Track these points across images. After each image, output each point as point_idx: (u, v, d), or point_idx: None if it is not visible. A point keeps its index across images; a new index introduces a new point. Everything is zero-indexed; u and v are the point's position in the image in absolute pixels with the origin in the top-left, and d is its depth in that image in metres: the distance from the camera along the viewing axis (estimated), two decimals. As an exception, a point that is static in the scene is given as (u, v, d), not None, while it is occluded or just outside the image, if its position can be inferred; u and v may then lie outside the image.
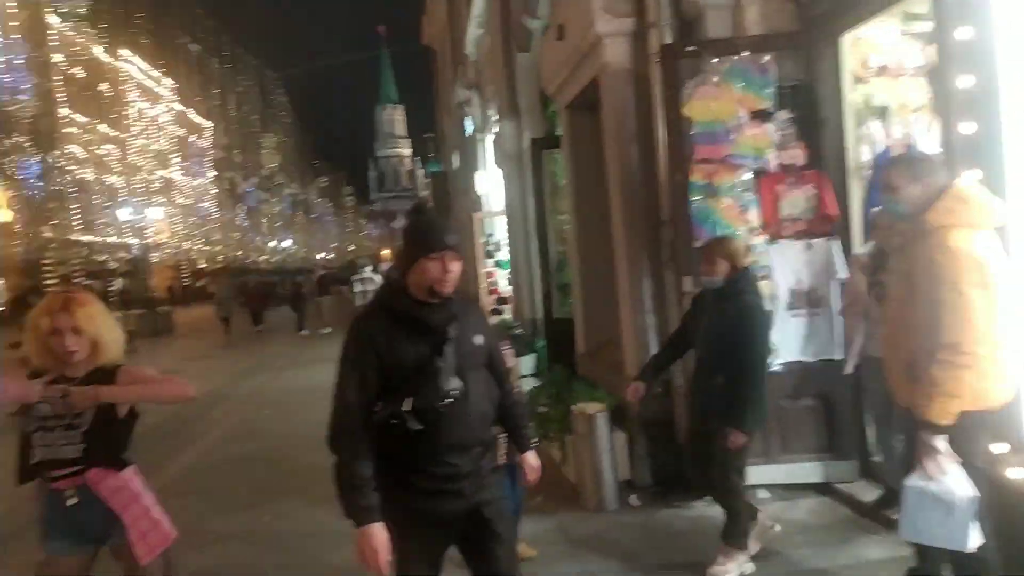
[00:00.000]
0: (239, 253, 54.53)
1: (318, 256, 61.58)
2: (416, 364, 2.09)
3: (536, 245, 8.74)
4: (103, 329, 2.49)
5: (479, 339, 2.24)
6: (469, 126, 20.36)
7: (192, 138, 56.81)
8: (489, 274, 13.29)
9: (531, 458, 2.56)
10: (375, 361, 2.10)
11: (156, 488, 5.33)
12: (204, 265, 54.82)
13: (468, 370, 2.16)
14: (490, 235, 13.40)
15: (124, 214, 35.83)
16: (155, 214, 43.08)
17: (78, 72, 41.35)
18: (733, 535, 3.56)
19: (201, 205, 53.80)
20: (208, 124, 59.33)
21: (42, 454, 2.40)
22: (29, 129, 33.66)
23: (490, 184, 15.29)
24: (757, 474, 4.13)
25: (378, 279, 14.99)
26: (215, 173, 56.91)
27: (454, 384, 2.09)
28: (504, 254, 12.71)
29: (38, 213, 33.90)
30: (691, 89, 4.47)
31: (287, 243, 56.82)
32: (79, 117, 40.64)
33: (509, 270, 12.18)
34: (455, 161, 28.24)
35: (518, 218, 10.31)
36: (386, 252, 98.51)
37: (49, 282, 36.09)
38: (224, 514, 4.93)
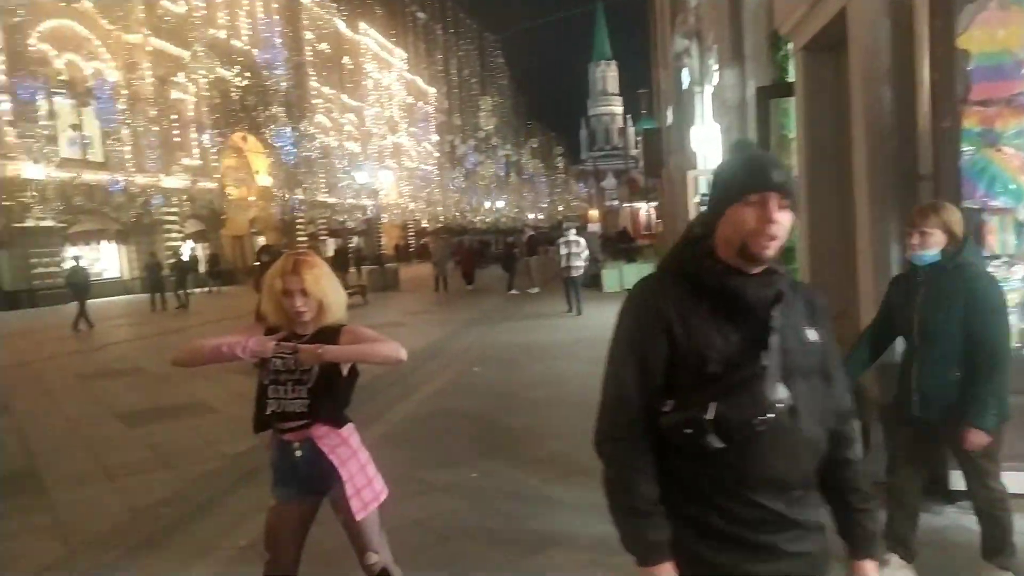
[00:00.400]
0: (457, 213, 57.73)
1: (529, 216, 63.32)
2: (725, 357, 1.48)
3: (757, 205, 8.00)
4: (328, 291, 2.56)
5: (813, 334, 1.57)
6: (686, 79, 19.34)
7: (419, 104, 60.81)
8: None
9: (869, 570, 1.62)
10: (664, 345, 1.51)
11: (374, 437, 5.83)
12: (426, 225, 58.92)
13: (797, 376, 1.51)
14: (704, 195, 12.65)
15: (361, 177, 39.35)
16: (386, 177, 46.86)
17: (325, 47, 45.82)
18: (998, 553, 2.97)
19: (425, 168, 57.56)
20: (432, 90, 63.11)
21: (273, 406, 2.53)
22: (283, 101, 37.97)
23: (706, 140, 14.41)
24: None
25: (583, 242, 14.73)
26: (437, 137, 60.56)
27: (780, 394, 1.47)
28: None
29: (291, 177, 38.36)
30: (968, 16, 3.67)
31: (500, 203, 58.98)
32: (326, 89, 45.12)
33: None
34: (669, 117, 27.16)
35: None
36: (594, 213, 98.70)
37: (300, 239, 41.11)
38: (432, 467, 5.13)
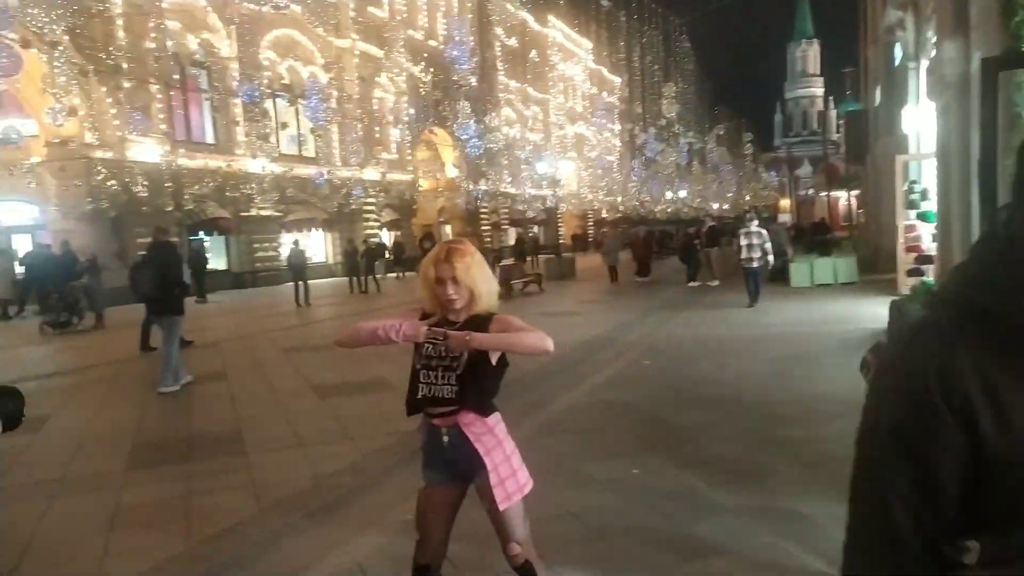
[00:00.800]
0: (637, 203, 56.79)
1: (713, 206, 60.74)
2: None
3: (978, 194, 7.01)
4: (478, 280, 2.56)
5: None
6: (898, 54, 17.41)
7: (602, 94, 60.59)
8: (909, 228, 11.26)
9: None
10: (960, 442, 0.87)
11: (536, 425, 5.89)
12: (606, 215, 58.60)
13: None
14: (913, 182, 11.30)
15: (542, 167, 40.04)
16: (566, 167, 47.24)
17: (513, 42, 47.08)
18: None
19: (606, 157, 57.31)
20: (617, 79, 62.54)
21: (424, 391, 2.59)
22: (471, 95, 39.60)
23: (919, 121, 12.86)
24: None
25: (764, 233, 13.69)
26: (619, 127, 59.92)
27: None
28: (930, 204, 10.59)
29: (475, 169, 39.96)
30: None
31: (683, 193, 57.11)
32: (512, 82, 46.34)
33: (935, 223, 10.16)
34: (876, 97, 24.66)
35: (955, 160, 8.43)
36: (785, 202, 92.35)
37: (484, 228, 42.76)
38: (592, 459, 5.05)
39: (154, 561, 3.82)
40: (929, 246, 10.73)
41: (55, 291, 14.69)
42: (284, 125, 27.02)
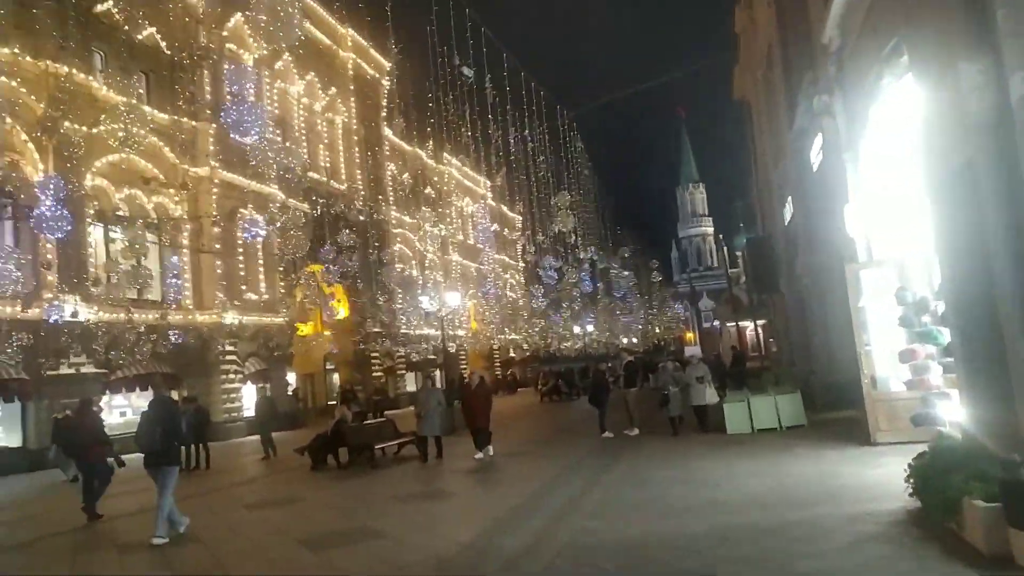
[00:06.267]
0: (542, 340, 54.01)
1: (623, 340, 58.70)
2: None
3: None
4: None
5: None
6: (815, 157, 15.40)
7: (504, 231, 59.31)
8: (909, 353, 8.18)
9: None
10: None
11: None
12: (513, 354, 55.37)
13: None
14: (902, 290, 8.37)
15: (440, 306, 36.64)
16: (466, 304, 44.19)
17: (406, 178, 45.14)
18: None
19: (509, 294, 55.02)
20: (517, 218, 61.61)
21: None
22: (361, 231, 36.59)
23: (872, 220, 10.24)
24: None
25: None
26: (522, 264, 58.24)
27: None
28: (935, 320, 7.62)
29: (367, 310, 36.16)
30: None
31: (590, 327, 54.94)
32: (406, 218, 43.75)
33: (948, 345, 7.03)
34: (785, 217, 23.01)
35: (978, 254, 5.37)
36: (690, 335, 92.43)
37: (376, 374, 38.29)
38: None
39: None
40: (939, 380, 7.63)
41: None
42: (127, 259, 22.50)
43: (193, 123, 26.20)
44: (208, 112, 26.45)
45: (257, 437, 18.37)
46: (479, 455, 13.65)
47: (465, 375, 13.53)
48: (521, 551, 6.76)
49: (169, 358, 24.29)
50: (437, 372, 44.42)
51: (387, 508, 9.72)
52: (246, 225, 22.88)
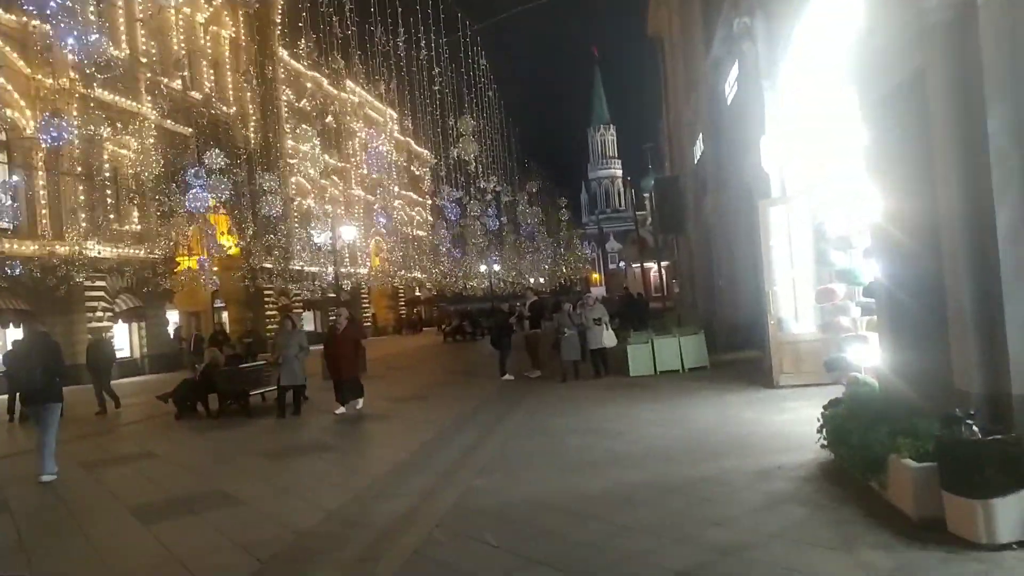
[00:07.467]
0: (447, 279, 52.78)
1: (530, 280, 58.33)
2: None
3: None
4: None
5: None
6: (730, 90, 14.68)
7: (412, 168, 56.96)
8: (827, 293, 7.61)
9: None
10: None
11: None
12: (419, 293, 54.05)
13: None
14: (822, 224, 7.73)
15: (338, 242, 34.58)
16: (369, 242, 42.31)
17: (305, 103, 41.98)
18: None
19: (416, 233, 53.26)
20: (425, 152, 59.16)
21: None
22: (253, 159, 33.81)
23: (789, 152, 9.60)
24: None
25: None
26: (429, 202, 56.26)
27: None
28: (854, 260, 7.01)
29: (260, 244, 33.79)
30: None
31: (496, 267, 54.11)
32: (304, 147, 40.83)
33: (870, 285, 6.41)
34: (695, 155, 22.56)
35: (922, 179, 4.61)
36: (596, 276, 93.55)
37: (270, 313, 36.15)
38: None
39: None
40: (858, 320, 7.09)
41: None
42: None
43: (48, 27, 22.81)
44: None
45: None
46: (341, 409, 11.95)
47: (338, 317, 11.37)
48: (396, 520, 5.79)
49: (23, 292, 21.62)
50: (306, 312, 41.69)
51: (251, 466, 8.52)
52: (50, 129, 19.12)
